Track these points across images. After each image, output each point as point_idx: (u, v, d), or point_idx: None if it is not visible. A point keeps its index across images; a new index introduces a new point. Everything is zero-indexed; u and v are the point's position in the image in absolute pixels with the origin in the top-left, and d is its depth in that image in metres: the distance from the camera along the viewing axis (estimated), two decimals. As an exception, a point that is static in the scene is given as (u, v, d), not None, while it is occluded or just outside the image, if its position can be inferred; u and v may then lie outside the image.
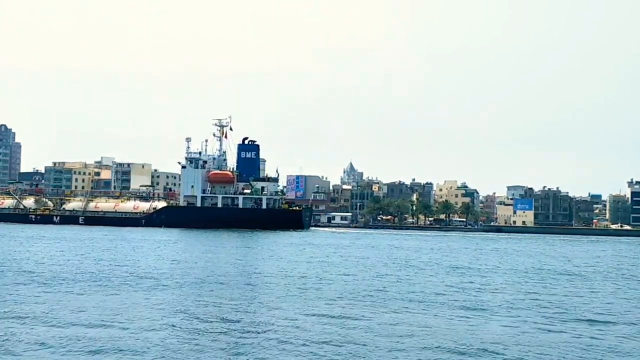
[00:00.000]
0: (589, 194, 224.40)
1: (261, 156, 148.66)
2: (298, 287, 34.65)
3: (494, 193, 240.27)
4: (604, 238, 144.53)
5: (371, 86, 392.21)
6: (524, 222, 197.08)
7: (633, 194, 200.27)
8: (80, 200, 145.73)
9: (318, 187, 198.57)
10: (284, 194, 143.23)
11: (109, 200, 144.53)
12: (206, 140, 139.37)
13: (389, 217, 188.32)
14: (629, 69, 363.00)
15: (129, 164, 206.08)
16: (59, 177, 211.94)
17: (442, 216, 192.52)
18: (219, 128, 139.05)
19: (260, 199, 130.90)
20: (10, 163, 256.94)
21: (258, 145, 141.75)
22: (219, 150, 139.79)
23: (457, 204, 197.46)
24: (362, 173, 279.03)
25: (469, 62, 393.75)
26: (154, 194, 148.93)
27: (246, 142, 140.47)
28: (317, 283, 36.98)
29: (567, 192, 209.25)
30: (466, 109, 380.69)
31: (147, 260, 49.67)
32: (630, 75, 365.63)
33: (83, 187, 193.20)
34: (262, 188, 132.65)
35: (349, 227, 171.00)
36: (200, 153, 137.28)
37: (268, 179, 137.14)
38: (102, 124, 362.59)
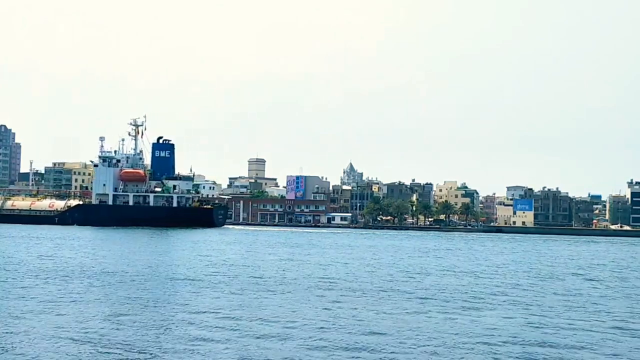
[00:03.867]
0: (589, 194, 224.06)
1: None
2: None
3: (494, 193, 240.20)
4: (603, 238, 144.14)
5: (371, 87, 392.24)
6: (523, 223, 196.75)
7: (633, 194, 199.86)
8: None
9: (318, 188, 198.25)
10: (198, 192, 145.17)
11: (25, 199, 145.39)
12: (122, 140, 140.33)
13: (388, 217, 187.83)
14: (630, 70, 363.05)
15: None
16: (59, 177, 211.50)
17: (442, 217, 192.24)
18: (133, 127, 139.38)
19: (171, 197, 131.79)
20: (10, 163, 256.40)
21: (173, 145, 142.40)
22: (134, 149, 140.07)
23: (456, 204, 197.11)
24: (362, 173, 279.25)
25: (469, 64, 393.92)
26: (70, 192, 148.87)
27: (161, 141, 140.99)
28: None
29: (567, 193, 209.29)
30: (466, 110, 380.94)
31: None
32: (630, 76, 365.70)
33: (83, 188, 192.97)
34: (174, 186, 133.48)
35: (348, 227, 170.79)
36: (115, 152, 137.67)
37: (180, 178, 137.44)
38: (101, 124, 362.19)
